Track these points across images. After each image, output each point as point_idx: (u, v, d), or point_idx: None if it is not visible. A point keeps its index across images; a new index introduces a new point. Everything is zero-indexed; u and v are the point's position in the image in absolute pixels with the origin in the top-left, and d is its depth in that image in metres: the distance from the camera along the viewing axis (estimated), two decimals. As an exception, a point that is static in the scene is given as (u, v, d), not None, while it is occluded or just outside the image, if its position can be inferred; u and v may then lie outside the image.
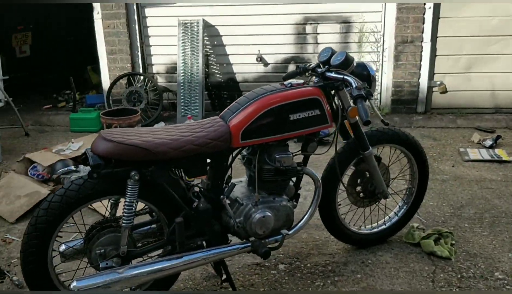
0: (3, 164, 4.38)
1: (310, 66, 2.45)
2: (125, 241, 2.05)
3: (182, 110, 5.50)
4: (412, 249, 2.79)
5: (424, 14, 5.17)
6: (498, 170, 3.96)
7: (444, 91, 5.39)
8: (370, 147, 2.52)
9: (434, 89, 5.45)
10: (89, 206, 3.12)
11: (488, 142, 4.47)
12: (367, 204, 2.76)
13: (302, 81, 2.33)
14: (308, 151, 2.39)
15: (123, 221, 2.02)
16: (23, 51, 7.92)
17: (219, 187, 2.23)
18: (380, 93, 5.60)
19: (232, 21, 5.55)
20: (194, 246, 2.21)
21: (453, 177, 3.84)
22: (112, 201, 2.21)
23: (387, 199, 2.76)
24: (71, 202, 1.97)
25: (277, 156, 2.24)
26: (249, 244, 2.27)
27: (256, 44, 5.58)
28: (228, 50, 5.68)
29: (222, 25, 5.59)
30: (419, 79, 5.40)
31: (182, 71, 5.52)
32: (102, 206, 2.33)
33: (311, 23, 5.48)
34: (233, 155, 2.27)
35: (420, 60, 5.33)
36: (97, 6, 5.60)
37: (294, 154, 2.35)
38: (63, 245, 2.15)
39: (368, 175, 2.65)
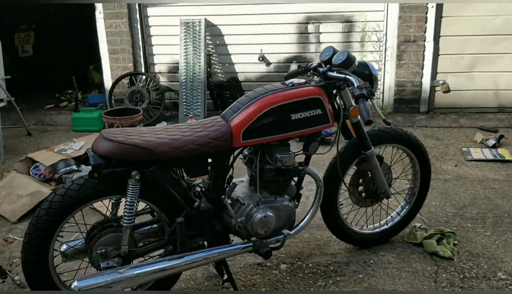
0: (5, 163, 4.38)
1: (312, 66, 2.44)
2: (126, 241, 2.05)
3: (184, 110, 5.50)
4: (414, 249, 2.78)
5: (426, 13, 5.15)
6: (501, 170, 3.94)
7: (447, 91, 5.37)
8: (372, 147, 2.51)
9: (436, 88, 5.43)
10: (91, 206, 3.13)
11: (491, 142, 4.46)
12: (369, 204, 2.75)
13: (303, 80, 2.33)
14: (310, 151, 2.38)
15: (124, 221, 2.02)
16: (25, 50, 7.94)
17: (220, 187, 2.23)
18: (383, 93, 5.59)
19: (234, 21, 5.54)
20: (195, 246, 2.21)
21: (455, 176, 3.83)
22: (113, 201, 2.21)
23: (389, 199, 2.74)
24: (72, 202, 1.97)
25: (278, 156, 2.24)
26: (250, 244, 2.27)
27: (258, 44, 5.57)
28: (230, 49, 5.68)
29: (224, 25, 5.59)
30: (421, 78, 5.38)
31: (184, 70, 5.52)
32: (104, 206, 2.32)
33: (313, 22, 5.47)
34: (235, 154, 2.27)
35: (423, 60, 5.31)
36: (99, 6, 5.60)
37: (295, 153, 2.34)
38: (64, 244, 2.15)
39: (370, 175, 2.64)
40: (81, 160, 3.74)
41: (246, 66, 5.71)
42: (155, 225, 2.27)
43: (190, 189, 2.20)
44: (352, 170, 2.64)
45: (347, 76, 2.23)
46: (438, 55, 5.31)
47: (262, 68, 5.70)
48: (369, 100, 2.15)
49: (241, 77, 5.78)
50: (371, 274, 2.57)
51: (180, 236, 2.10)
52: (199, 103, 5.46)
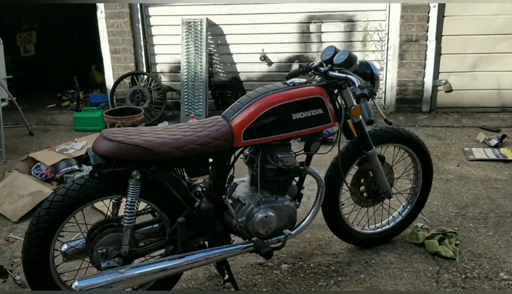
0: (7, 163, 4.39)
1: (313, 65, 2.44)
2: (127, 240, 2.04)
3: (186, 110, 5.50)
4: (416, 249, 2.77)
5: (428, 12, 5.14)
6: (504, 170, 3.92)
7: (449, 90, 5.34)
8: (374, 147, 2.50)
9: (439, 88, 5.42)
10: (92, 205, 3.13)
11: (494, 142, 4.44)
12: (371, 204, 2.74)
13: (304, 80, 2.32)
14: (311, 151, 2.38)
15: (125, 220, 2.02)
16: (27, 50, 7.95)
17: (221, 187, 2.23)
18: (385, 92, 5.57)
19: (235, 20, 5.53)
20: (196, 245, 2.20)
21: (458, 176, 3.82)
22: (114, 200, 2.21)
23: (391, 199, 2.74)
24: (72, 202, 1.97)
25: (279, 156, 2.23)
26: (251, 244, 2.26)
27: (260, 43, 5.57)
28: (232, 49, 5.67)
29: (226, 24, 5.58)
30: (423, 78, 5.37)
31: (186, 70, 5.51)
32: (105, 206, 2.32)
33: (315, 22, 5.46)
34: (235, 154, 2.26)
35: (425, 59, 5.29)
36: (100, 5, 5.60)
37: (297, 153, 2.34)
38: (65, 244, 2.15)
39: (371, 175, 2.63)
40: (81, 160, 3.73)
41: (247, 65, 5.71)
42: (156, 225, 2.27)
43: (191, 189, 2.20)
44: (353, 170, 2.64)
45: (348, 76, 2.22)
46: (440, 54, 5.29)
47: (264, 67, 5.69)
48: (370, 99, 2.15)
49: (242, 76, 5.77)
50: (373, 274, 2.56)
51: (181, 236, 2.09)
52: (201, 103, 5.46)
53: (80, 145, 4.20)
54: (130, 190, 1.99)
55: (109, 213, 2.24)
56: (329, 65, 2.35)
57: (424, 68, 5.32)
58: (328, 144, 3.22)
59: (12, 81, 5.60)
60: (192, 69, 5.50)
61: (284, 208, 2.28)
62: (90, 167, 1.96)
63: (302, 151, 2.39)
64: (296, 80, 2.30)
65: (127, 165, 1.96)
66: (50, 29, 8.11)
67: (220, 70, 5.79)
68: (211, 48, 5.68)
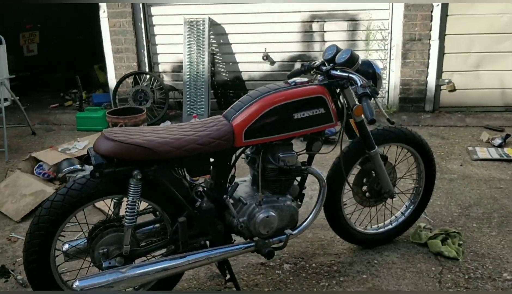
0: (10, 162, 4.40)
1: (315, 64, 2.43)
2: (128, 240, 2.04)
3: (188, 109, 5.50)
4: (419, 249, 2.75)
5: (432, 11, 5.12)
6: (507, 169, 3.90)
7: (453, 90, 5.33)
8: (376, 146, 2.49)
9: (442, 87, 5.40)
10: (94, 205, 3.13)
11: (497, 141, 4.42)
12: (373, 204, 2.73)
13: (306, 79, 2.31)
14: (313, 150, 2.37)
15: (126, 220, 2.01)
16: (30, 50, 7.96)
17: (222, 187, 2.22)
18: (388, 92, 5.56)
19: (238, 19, 5.53)
20: (197, 245, 2.20)
21: (461, 176, 3.80)
22: (115, 200, 2.20)
23: (394, 199, 2.72)
24: (73, 202, 1.96)
25: (281, 156, 2.22)
26: (252, 244, 2.26)
27: (262, 42, 5.56)
28: (234, 48, 5.66)
29: (228, 23, 5.58)
30: (427, 77, 5.35)
31: (188, 69, 5.51)
32: (106, 206, 2.32)
33: (318, 21, 5.44)
34: (237, 154, 2.25)
35: (428, 58, 5.27)
36: (103, 5, 5.61)
37: (298, 153, 2.33)
38: (66, 244, 2.15)
39: (374, 175, 2.62)
40: (83, 159, 3.74)
41: (250, 65, 5.70)
42: (157, 225, 2.27)
43: (192, 189, 2.19)
44: (356, 170, 2.62)
45: (350, 75, 2.21)
46: (444, 53, 5.27)
47: (266, 67, 5.68)
48: (372, 99, 2.13)
49: (245, 76, 5.76)
50: (375, 274, 2.55)
51: (182, 235, 2.09)
52: (203, 103, 5.46)
53: (83, 144, 4.21)
54: (131, 190, 1.98)
55: (110, 213, 2.24)
56: (331, 64, 2.33)
57: (428, 67, 5.30)
58: (330, 143, 3.20)
59: (15, 80, 5.63)
60: (194, 68, 5.49)
61: (286, 208, 2.27)
62: (92, 167, 1.95)
63: (304, 151, 2.38)
64: (298, 79, 2.29)
65: (128, 165, 1.96)
66: (53, 29, 8.13)
67: (222, 70, 5.78)
68: (213, 48, 5.67)
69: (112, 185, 2.01)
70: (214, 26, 5.58)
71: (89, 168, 3.66)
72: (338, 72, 2.27)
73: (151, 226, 2.26)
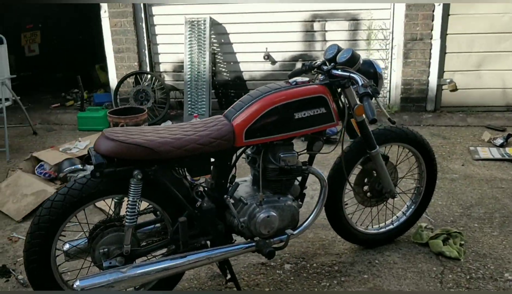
0: (11, 162, 4.40)
1: (316, 64, 2.42)
2: (129, 240, 2.04)
3: (189, 109, 5.49)
4: (420, 249, 2.75)
5: (433, 11, 5.11)
6: (509, 169, 3.89)
7: (454, 89, 5.32)
8: (377, 146, 2.48)
9: (443, 87, 5.39)
10: (94, 205, 3.13)
11: (499, 141, 4.41)
12: (375, 204, 2.72)
13: (307, 79, 2.30)
14: (314, 150, 2.36)
15: (126, 220, 2.01)
16: (32, 50, 7.97)
17: (223, 187, 2.21)
18: (389, 91, 5.55)
19: (239, 19, 5.52)
20: (198, 245, 2.19)
21: (462, 176, 3.79)
22: (115, 200, 2.20)
23: (395, 199, 2.72)
24: (74, 201, 1.96)
25: (281, 155, 2.21)
26: (253, 243, 2.25)
27: (264, 42, 5.55)
28: (235, 48, 5.66)
29: (229, 23, 5.57)
30: (428, 77, 5.34)
31: (189, 69, 5.51)
32: (107, 205, 2.32)
33: (319, 21, 5.44)
34: (237, 154, 2.25)
35: (430, 58, 5.26)
36: (104, 5, 5.61)
37: (299, 153, 2.32)
38: (67, 244, 2.15)
39: (375, 174, 2.62)
40: (84, 159, 3.74)
41: (251, 64, 5.70)
42: (157, 225, 2.27)
43: (193, 189, 2.19)
44: (357, 170, 2.62)
45: (351, 74, 2.20)
46: (445, 53, 5.26)
47: (268, 66, 5.68)
48: (374, 98, 2.12)
49: (246, 76, 5.76)
50: (376, 274, 2.54)
51: (182, 235, 2.09)
52: (204, 102, 5.45)
53: (84, 144, 4.21)
54: (131, 190, 1.98)
55: (111, 213, 2.24)
56: (332, 64, 2.32)
57: (429, 67, 5.29)
58: (332, 143, 3.21)
59: (16, 80, 5.63)
60: (195, 68, 5.49)
61: (286, 208, 2.27)
62: (93, 167, 1.95)
63: (305, 151, 2.38)
64: (299, 79, 2.28)
65: (128, 165, 1.96)
66: (54, 28, 8.14)
67: (223, 69, 5.78)
68: (214, 47, 5.67)
69: (112, 185, 2.01)
70: (215, 25, 5.58)
71: (90, 168, 3.67)
72: (339, 72, 2.26)
73: (152, 226, 2.26)
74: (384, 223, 2.85)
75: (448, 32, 5.18)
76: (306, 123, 2.21)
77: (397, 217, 2.87)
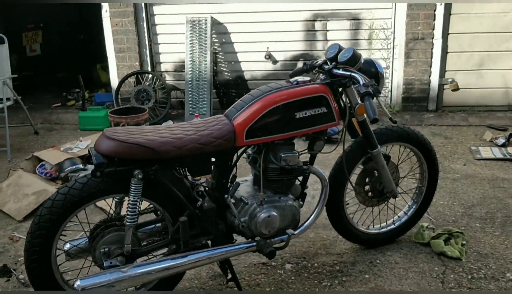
0: (12, 162, 4.40)
1: (317, 63, 2.41)
2: (129, 239, 2.04)
3: (190, 109, 5.49)
4: (421, 249, 2.74)
5: (435, 10, 5.10)
6: (511, 169, 3.88)
7: (456, 89, 5.31)
8: (379, 146, 2.47)
9: (445, 86, 5.37)
10: (95, 204, 3.13)
11: (501, 141, 4.40)
12: (376, 204, 2.72)
13: (308, 78, 2.30)
14: (315, 150, 2.35)
15: (127, 219, 2.01)
16: (33, 49, 7.98)
17: (223, 186, 2.21)
18: (391, 91, 5.54)
19: (240, 18, 5.52)
20: (199, 245, 2.19)
21: (464, 175, 3.78)
22: (116, 199, 2.20)
23: (396, 198, 2.71)
24: (74, 201, 1.96)
25: (282, 155, 2.21)
26: (254, 243, 2.25)
27: (265, 41, 5.54)
28: (237, 47, 5.66)
29: (231, 23, 5.57)
30: (430, 76, 5.33)
31: (190, 69, 5.50)
32: (108, 205, 2.32)
33: (320, 20, 5.43)
34: (238, 154, 2.25)
35: (431, 57, 5.25)
36: (105, 4, 5.60)
37: (300, 152, 2.32)
38: (68, 243, 2.15)
39: (376, 174, 2.61)
40: (84, 159, 3.74)
41: (252, 64, 5.69)
42: (158, 224, 2.27)
43: (193, 188, 2.18)
44: (358, 169, 2.61)
45: (352, 74, 2.20)
46: (447, 52, 5.25)
47: (269, 66, 5.67)
48: (375, 98, 2.12)
49: (247, 75, 5.75)
50: (378, 274, 2.53)
51: (183, 235, 2.08)
52: (205, 102, 5.45)
53: (85, 144, 4.21)
54: (132, 189, 1.98)
55: (111, 212, 2.24)
56: (333, 63, 2.32)
57: (430, 66, 5.28)
58: (333, 143, 3.19)
59: (18, 80, 5.63)
60: (196, 68, 5.49)
61: (287, 207, 2.27)
62: (93, 166, 1.95)
63: (306, 150, 2.37)
64: (300, 78, 2.28)
65: (129, 164, 1.95)
66: (55, 28, 8.14)
67: (224, 69, 5.77)
68: (215, 47, 5.66)
69: (113, 184, 2.00)
70: (216, 25, 5.57)
71: (91, 168, 3.66)
72: (340, 71, 2.26)
73: (153, 226, 2.26)
74: (385, 223, 2.84)
75: (449, 32, 5.17)
76: (307, 122, 2.20)
77: (399, 217, 2.86)
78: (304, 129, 2.21)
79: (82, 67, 7.17)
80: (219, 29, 5.60)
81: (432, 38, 5.18)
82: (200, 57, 5.48)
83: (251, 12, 5.46)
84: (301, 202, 2.39)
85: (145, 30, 5.67)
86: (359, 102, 2.30)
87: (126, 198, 2.07)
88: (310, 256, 2.71)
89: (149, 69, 5.80)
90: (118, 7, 5.57)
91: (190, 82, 5.50)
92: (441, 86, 5.37)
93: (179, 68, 5.79)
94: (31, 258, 1.97)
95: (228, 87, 5.83)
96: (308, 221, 2.41)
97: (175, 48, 5.71)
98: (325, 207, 2.49)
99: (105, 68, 6.40)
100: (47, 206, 1.96)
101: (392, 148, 2.68)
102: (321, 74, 2.37)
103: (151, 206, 2.24)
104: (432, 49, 5.22)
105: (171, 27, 5.66)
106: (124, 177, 1.96)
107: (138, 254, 2.12)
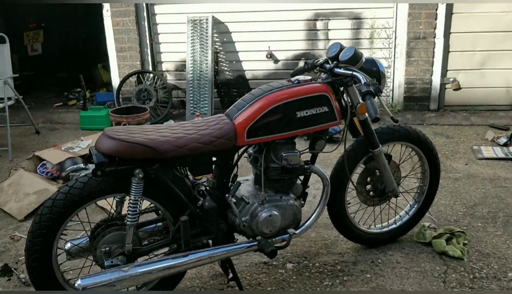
0: (13, 161, 4.40)
1: (319, 62, 2.41)
2: (130, 239, 2.03)
3: (191, 108, 5.49)
4: (423, 249, 2.73)
5: (436, 9, 5.08)
6: (513, 168, 3.88)
7: (458, 88, 5.30)
8: (380, 145, 2.47)
9: (447, 86, 5.36)
10: (96, 204, 3.13)
11: (503, 140, 4.39)
12: (377, 203, 2.71)
13: (309, 77, 2.29)
14: (316, 149, 2.35)
15: (128, 219, 2.01)
16: (34, 49, 7.98)
17: (224, 186, 2.21)
18: (392, 90, 5.53)
19: (241, 18, 5.51)
20: (200, 244, 2.19)
21: (466, 175, 3.77)
22: (117, 199, 2.19)
23: (398, 198, 2.70)
24: (75, 200, 1.96)
25: (283, 154, 2.21)
26: (255, 243, 2.24)
27: (266, 41, 5.54)
28: (238, 47, 5.65)
29: (232, 22, 5.56)
30: (431, 75, 5.31)
31: (191, 68, 5.50)
32: (109, 204, 2.32)
33: (322, 19, 5.42)
34: (239, 153, 2.24)
35: (433, 57, 5.24)
36: (106, 4, 5.60)
37: (302, 152, 2.31)
38: (69, 243, 2.15)
39: (378, 174, 2.60)
40: (85, 158, 3.74)
41: (253, 63, 5.68)
42: (159, 224, 2.26)
43: (194, 188, 2.18)
44: (359, 169, 2.61)
45: (354, 73, 2.19)
46: (449, 52, 5.23)
47: (270, 65, 5.66)
48: (376, 97, 2.11)
49: (248, 74, 5.75)
50: (379, 273, 2.53)
51: (184, 234, 2.08)
52: (206, 101, 5.45)
53: (86, 143, 4.21)
54: (133, 189, 1.98)
55: (112, 211, 2.23)
56: (334, 62, 2.31)
57: (432, 65, 5.27)
58: (334, 142, 3.19)
59: (19, 79, 5.64)
60: (197, 67, 5.48)
61: (289, 207, 2.26)
62: (94, 166, 1.95)
63: (307, 150, 2.37)
64: (301, 77, 2.27)
65: (130, 164, 1.95)
66: (57, 28, 8.14)
67: (226, 68, 5.77)
68: (216, 46, 5.66)
69: (114, 183, 2.00)
70: (217, 24, 5.57)
71: (92, 167, 3.66)
72: (341, 70, 2.25)
73: (153, 225, 2.26)
74: (387, 223, 2.84)
75: (451, 31, 5.16)
76: (308, 122, 2.19)
77: (400, 216, 2.86)
78: (305, 128, 2.21)
79: (83, 67, 7.17)
80: (220, 28, 5.59)
81: (434, 37, 5.17)
82: (201, 56, 5.47)
83: (253, 12, 5.46)
84: (302, 202, 2.39)
85: (146, 29, 5.67)
86: (361, 101, 2.30)
87: (127, 198, 2.06)
88: (312, 256, 2.70)
89: (150, 69, 5.80)
90: (119, 7, 5.57)
91: (191, 82, 5.50)
92: (442, 86, 5.36)
93: (180, 67, 5.79)
94: (32, 258, 1.97)
95: (229, 87, 5.82)
96: (309, 220, 2.40)
97: (176, 47, 5.70)
98: (326, 207, 2.48)
99: (106, 68, 6.40)
100: (48, 205, 1.96)
101: (394, 148, 2.67)
102: (323, 73, 2.37)
103: (152, 205, 2.24)
104: (433, 48, 5.21)
105: (172, 27, 5.65)
106: (125, 176, 1.96)
107: (139, 253, 2.12)
